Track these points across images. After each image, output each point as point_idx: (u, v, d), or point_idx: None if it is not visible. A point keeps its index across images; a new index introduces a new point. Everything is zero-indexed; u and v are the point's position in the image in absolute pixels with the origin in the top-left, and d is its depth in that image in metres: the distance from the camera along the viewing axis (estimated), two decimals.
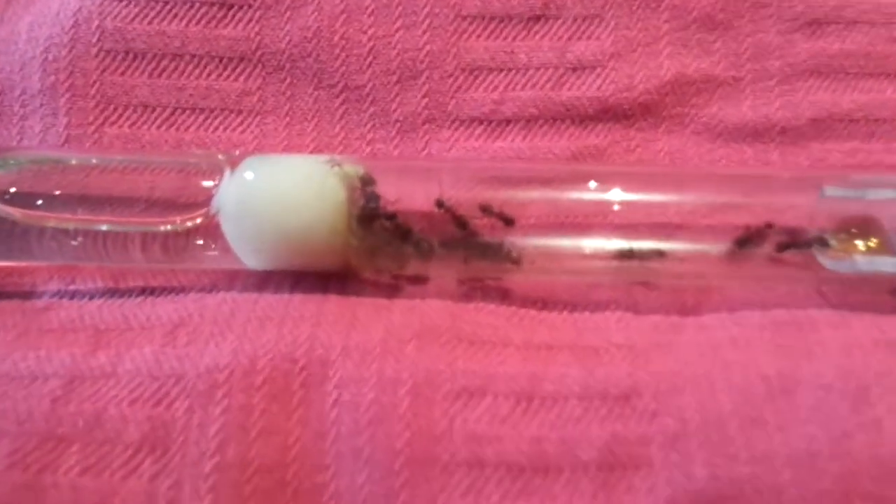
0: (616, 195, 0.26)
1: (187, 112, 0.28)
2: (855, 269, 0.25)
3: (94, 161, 0.25)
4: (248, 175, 0.23)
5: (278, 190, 0.23)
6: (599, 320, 0.25)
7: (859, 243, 0.25)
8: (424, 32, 0.28)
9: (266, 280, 0.25)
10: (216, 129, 0.28)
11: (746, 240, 0.25)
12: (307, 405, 0.21)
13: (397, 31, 0.28)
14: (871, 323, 0.24)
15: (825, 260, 0.25)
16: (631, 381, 0.22)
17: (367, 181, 0.24)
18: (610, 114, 0.28)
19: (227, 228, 0.23)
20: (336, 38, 0.28)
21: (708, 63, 0.29)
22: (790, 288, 0.26)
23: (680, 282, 0.26)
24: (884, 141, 0.29)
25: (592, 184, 0.26)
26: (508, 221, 0.24)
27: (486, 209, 0.24)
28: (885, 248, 0.25)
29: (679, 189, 0.27)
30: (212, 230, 0.24)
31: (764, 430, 0.20)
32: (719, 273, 0.26)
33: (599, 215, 0.26)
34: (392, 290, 0.25)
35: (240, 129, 0.28)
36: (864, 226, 0.25)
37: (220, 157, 0.24)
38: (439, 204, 0.25)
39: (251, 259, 0.24)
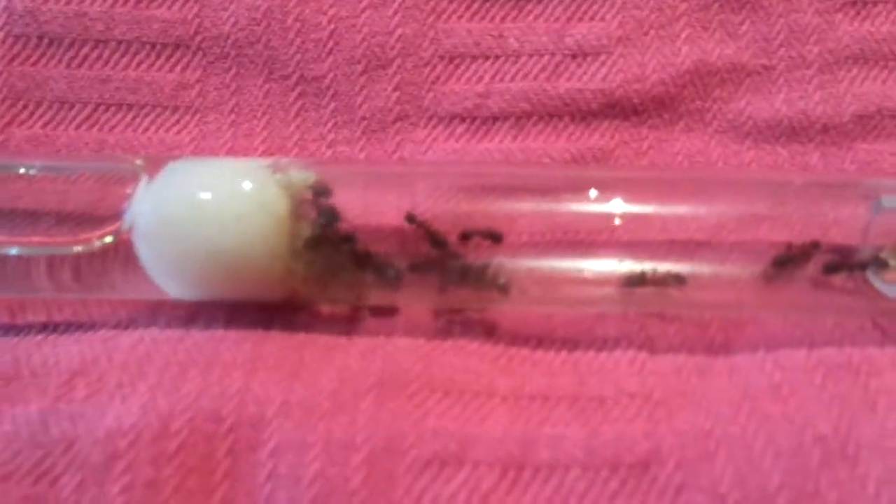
0: (624, 207, 0.22)
1: (112, 109, 0.24)
2: None
3: None
4: (167, 183, 0.19)
5: (202, 201, 0.18)
6: (607, 362, 0.20)
7: None
8: (396, 13, 0.24)
9: (196, 313, 0.20)
10: (147, 129, 0.24)
11: (786, 260, 0.20)
12: (234, 480, 0.17)
13: (363, 11, 0.24)
14: None
15: (883, 285, 0.21)
16: (649, 443, 0.17)
17: (320, 191, 0.20)
18: (617, 109, 0.24)
19: (141, 249, 0.19)
20: (290, 21, 0.24)
21: (734, 49, 0.24)
22: (840, 320, 0.21)
23: (704, 313, 0.21)
24: None
25: (595, 193, 0.22)
26: (496, 238, 0.20)
27: (466, 235, 0.19)
28: None
29: (700, 199, 0.22)
30: (129, 251, 0.19)
31: None
32: (753, 301, 0.21)
33: (605, 231, 0.22)
34: (351, 324, 0.20)
35: (175, 128, 0.24)
36: None
37: (137, 161, 0.20)
38: (410, 218, 0.20)
39: (173, 287, 0.19)
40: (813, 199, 0.22)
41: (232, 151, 0.24)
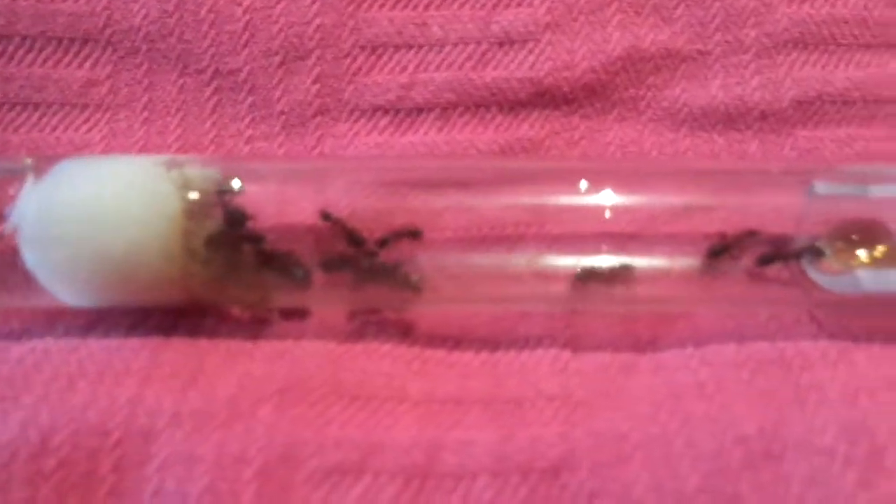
0: (553, 199, 0.21)
1: (17, 108, 0.23)
2: (857, 286, 0.19)
3: None
4: (53, 184, 0.18)
5: (89, 202, 0.17)
6: (528, 362, 0.19)
7: (861, 253, 0.20)
8: (314, 2, 0.23)
9: (97, 321, 0.19)
10: (55, 128, 0.23)
11: (721, 251, 0.19)
12: (118, 497, 0.16)
13: (279, 1, 0.23)
14: (882, 356, 0.18)
15: (818, 275, 0.20)
16: (563, 447, 0.16)
17: (225, 189, 0.19)
18: (546, 98, 0.23)
19: (27, 254, 0.18)
20: (203, 12, 0.23)
21: (668, 34, 0.23)
22: (777, 312, 0.20)
23: (635, 308, 0.20)
24: (888, 126, 0.23)
25: (523, 186, 0.21)
26: (415, 235, 0.19)
27: (384, 242, 0.19)
28: (888, 259, 0.19)
29: (633, 189, 0.21)
30: (17, 257, 0.18)
31: None
32: (686, 295, 0.20)
33: (533, 225, 0.21)
34: (258, 327, 0.19)
35: (85, 127, 0.23)
36: (866, 230, 0.20)
37: (26, 161, 0.18)
38: (326, 216, 0.19)
39: (65, 294, 0.18)
40: (747, 188, 0.21)
41: (145, 149, 0.23)
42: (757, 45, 0.23)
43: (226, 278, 0.18)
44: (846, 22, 0.23)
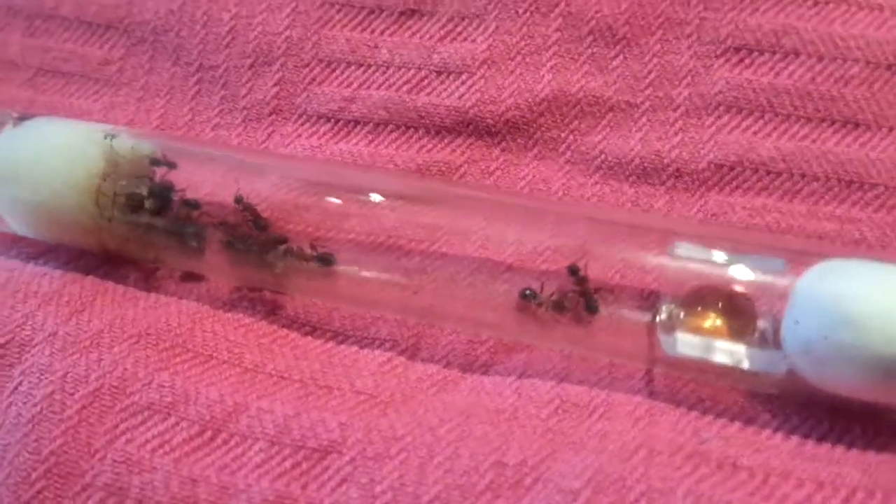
0: (437, 219, 0.22)
1: (49, 75, 0.28)
2: (691, 351, 0.19)
3: None
4: (17, 135, 0.22)
5: (31, 153, 0.21)
6: (363, 359, 0.21)
7: (706, 320, 0.20)
8: (288, 16, 0.26)
9: (44, 252, 0.23)
10: (71, 95, 0.28)
11: (531, 295, 0.20)
12: None
13: (261, 12, 0.26)
14: (688, 426, 0.18)
15: (665, 337, 0.20)
16: (338, 434, 0.18)
17: (157, 161, 0.22)
18: (471, 128, 0.24)
19: None
20: (199, 14, 0.27)
21: (600, 83, 0.24)
22: (616, 362, 0.21)
23: (478, 330, 0.22)
24: (810, 202, 0.23)
25: (426, 205, 0.23)
26: (260, 225, 0.21)
27: (238, 200, 0.21)
28: (737, 332, 0.19)
29: (520, 225, 0.22)
30: None
31: None
32: (505, 326, 0.21)
33: (425, 242, 0.23)
34: (159, 283, 0.23)
35: (93, 97, 0.27)
36: (722, 299, 0.20)
37: (13, 114, 0.23)
38: (238, 199, 0.22)
39: (15, 224, 0.23)
40: (613, 237, 0.21)
41: (132, 123, 0.27)
42: (687, 103, 0.24)
43: (126, 235, 0.22)
44: (788, 93, 0.23)
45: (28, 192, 0.22)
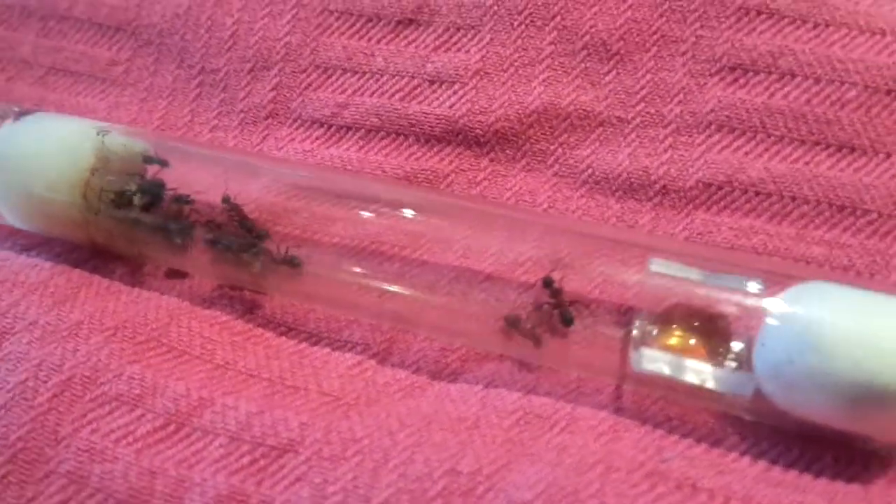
0: (420, 226, 0.22)
1: (60, 73, 0.29)
2: (659, 368, 0.19)
3: None
4: (15, 127, 0.23)
5: (27, 147, 0.22)
6: (333, 361, 0.21)
7: (678, 338, 0.19)
8: (289, 22, 0.26)
9: (38, 244, 0.24)
10: (78, 93, 0.28)
11: (513, 322, 0.20)
12: None
13: (263, 17, 0.27)
14: (651, 444, 0.18)
15: (635, 352, 0.20)
16: (297, 433, 0.18)
17: (149, 159, 0.23)
18: (460, 137, 0.25)
19: None
20: (203, 19, 0.27)
21: (591, 97, 0.24)
22: (585, 376, 0.20)
23: (451, 339, 0.21)
24: (799, 226, 0.22)
25: (411, 212, 0.23)
26: (246, 225, 0.22)
27: (226, 199, 0.22)
28: (709, 352, 0.19)
29: (501, 235, 0.22)
30: None
31: None
32: (478, 336, 0.21)
33: (409, 248, 0.23)
34: (142, 277, 0.23)
35: (100, 96, 0.28)
36: (693, 319, 0.20)
37: (14, 108, 0.24)
38: (225, 199, 0.23)
39: (10, 216, 0.23)
40: (597, 253, 0.21)
41: (134, 123, 0.27)
42: (678, 121, 0.23)
43: (113, 230, 0.22)
44: (782, 114, 0.23)
45: (23, 184, 0.22)
